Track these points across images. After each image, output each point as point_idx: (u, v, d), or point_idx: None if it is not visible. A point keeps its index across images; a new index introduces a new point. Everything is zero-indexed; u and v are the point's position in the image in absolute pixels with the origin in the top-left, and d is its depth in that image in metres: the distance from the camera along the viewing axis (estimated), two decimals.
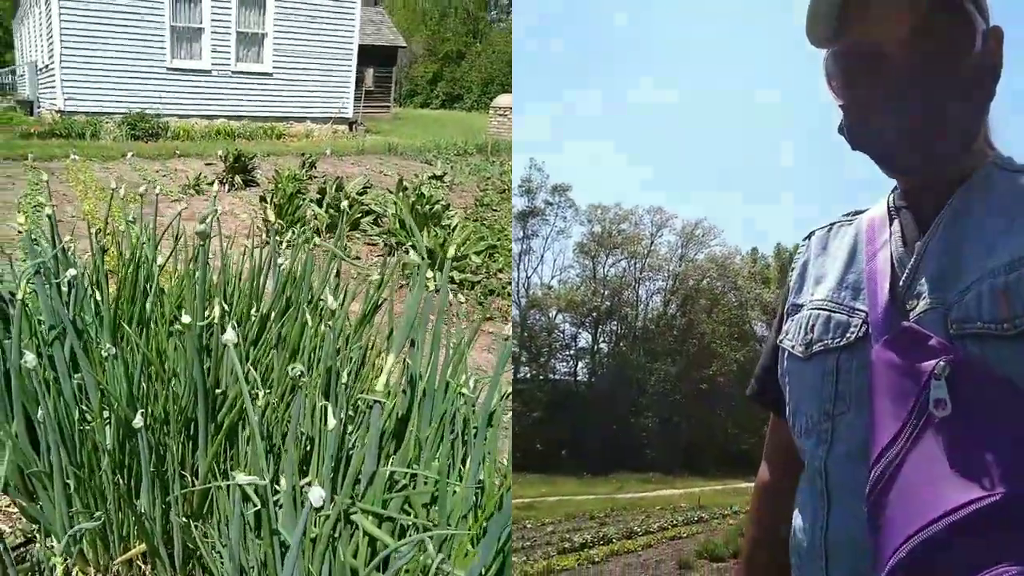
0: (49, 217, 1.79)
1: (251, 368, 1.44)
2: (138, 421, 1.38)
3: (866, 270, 0.95)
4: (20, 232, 1.75)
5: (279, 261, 1.92)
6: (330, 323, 1.47)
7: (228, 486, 1.37)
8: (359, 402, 1.45)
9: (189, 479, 1.60)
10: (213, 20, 14.04)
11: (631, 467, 23.46)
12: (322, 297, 1.78)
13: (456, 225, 4.78)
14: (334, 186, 5.96)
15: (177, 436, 1.55)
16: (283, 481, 1.23)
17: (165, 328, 1.69)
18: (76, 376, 1.68)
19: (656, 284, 30.58)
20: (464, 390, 1.43)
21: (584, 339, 29.82)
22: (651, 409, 26.59)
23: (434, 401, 1.48)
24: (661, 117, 47.64)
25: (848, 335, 0.92)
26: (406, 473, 1.37)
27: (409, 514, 1.36)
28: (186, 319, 1.34)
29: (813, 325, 0.97)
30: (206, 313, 1.46)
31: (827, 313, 0.96)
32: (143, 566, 1.67)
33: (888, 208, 0.99)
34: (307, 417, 1.39)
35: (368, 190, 6.41)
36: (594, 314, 29.17)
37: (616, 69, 43.67)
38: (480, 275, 4.47)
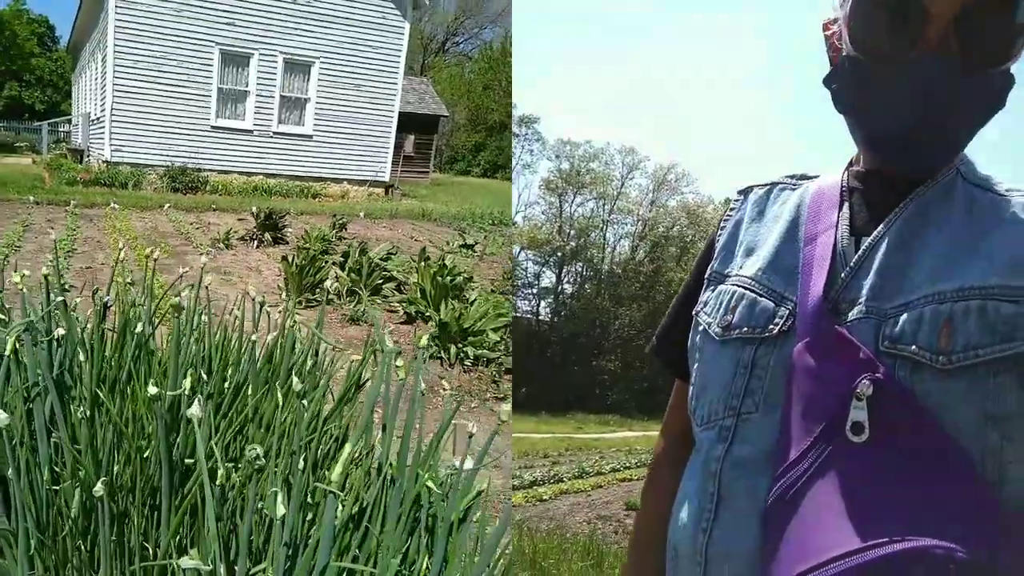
0: (45, 277, 1.81)
1: (213, 446, 1.42)
2: (99, 489, 1.36)
3: (803, 254, 0.86)
4: (20, 290, 1.78)
5: (282, 325, 1.92)
6: (303, 403, 1.45)
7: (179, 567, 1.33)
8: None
9: (151, 552, 1.57)
10: (259, 84, 14.55)
11: (590, 408, 22.96)
12: (304, 371, 1.77)
13: (475, 299, 4.77)
14: (358, 250, 6.03)
15: (140, 507, 1.53)
16: (222, 569, 1.19)
17: (144, 394, 1.68)
18: (54, 437, 1.67)
19: (625, 228, 29.68)
20: (430, 483, 1.38)
21: (548, 278, 28.99)
22: (614, 353, 25.98)
23: (403, 493, 1.44)
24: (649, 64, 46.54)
25: (771, 327, 0.83)
26: (362, 570, 1.33)
27: None
28: (152, 390, 1.33)
29: (735, 306, 0.87)
30: (181, 383, 1.46)
31: (753, 296, 0.87)
32: None
33: (842, 186, 0.90)
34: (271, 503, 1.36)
35: (392, 256, 6.47)
36: (559, 254, 28.49)
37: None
38: (498, 352, 4.43)
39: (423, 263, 5.56)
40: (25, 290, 1.85)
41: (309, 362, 1.81)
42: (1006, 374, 0.72)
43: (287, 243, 8.59)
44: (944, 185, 0.83)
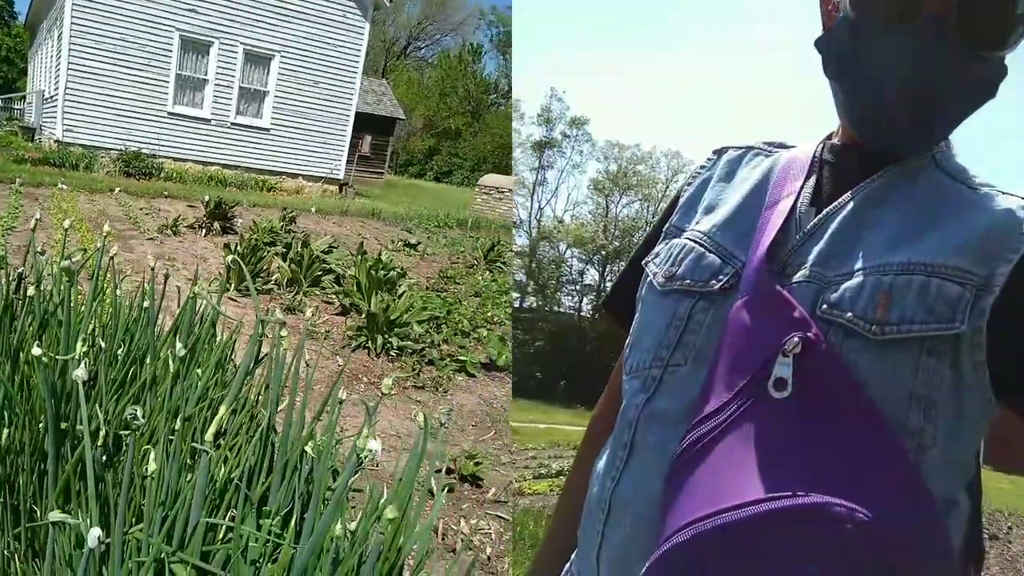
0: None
1: (98, 409, 1.43)
2: None
3: (761, 217, 0.84)
4: None
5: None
6: (198, 371, 1.47)
7: (64, 527, 1.34)
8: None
9: (39, 515, 1.57)
10: (218, 74, 14.32)
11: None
12: (202, 344, 1.79)
13: (403, 293, 4.81)
14: (300, 242, 6.00)
15: (30, 472, 1.53)
16: (92, 532, 1.21)
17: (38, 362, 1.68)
18: None
19: None
20: (309, 447, 1.42)
21: (591, 276, 29.16)
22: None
23: (287, 458, 1.47)
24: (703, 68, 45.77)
25: (713, 282, 0.81)
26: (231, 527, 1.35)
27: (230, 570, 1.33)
28: (36, 351, 1.34)
29: (682, 259, 0.85)
30: (73, 347, 1.47)
31: (702, 250, 0.85)
32: None
33: (814, 157, 0.87)
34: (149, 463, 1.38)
35: (334, 250, 6.45)
36: (603, 252, 28.70)
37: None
38: (422, 344, 4.48)
39: (360, 257, 5.56)
40: None
41: (209, 338, 1.83)
42: (939, 356, 0.70)
43: (236, 233, 8.49)
44: (915, 169, 0.80)
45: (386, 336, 4.23)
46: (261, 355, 1.71)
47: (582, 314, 28.93)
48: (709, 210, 0.89)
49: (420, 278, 6.85)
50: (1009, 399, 0.73)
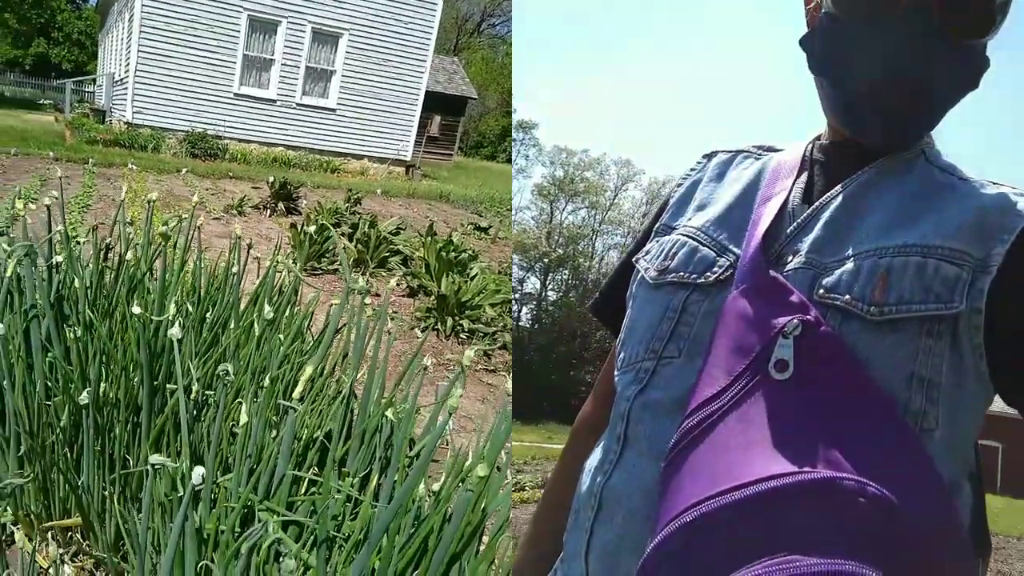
0: (48, 207, 1.98)
1: (190, 363, 1.58)
2: (83, 398, 1.53)
3: (755, 212, 0.88)
4: (19, 217, 1.95)
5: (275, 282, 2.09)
6: (279, 336, 1.61)
7: (156, 473, 1.50)
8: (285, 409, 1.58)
9: (132, 463, 1.74)
10: (285, 53, 14.74)
11: (563, 419, 22.84)
12: (282, 311, 1.93)
13: (476, 275, 4.93)
14: (367, 223, 6.20)
15: (124, 423, 1.70)
16: (196, 470, 1.35)
17: (132, 320, 1.85)
18: (49, 356, 1.85)
19: (615, 239, 30.12)
20: (389, 413, 1.54)
21: (532, 284, 29.34)
22: (592, 364, 26.08)
23: (366, 423, 1.59)
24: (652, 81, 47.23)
25: (708, 274, 0.85)
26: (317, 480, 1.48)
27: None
28: (136, 310, 1.49)
29: (675, 253, 0.89)
30: (166, 309, 1.62)
31: (695, 244, 0.88)
32: (81, 540, 1.81)
33: (804, 157, 0.92)
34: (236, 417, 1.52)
35: (401, 231, 6.63)
36: (545, 260, 28.89)
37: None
38: (495, 327, 4.59)
39: (429, 239, 5.72)
40: (28, 219, 2.03)
41: (288, 307, 1.97)
42: (939, 337, 0.73)
43: (300, 214, 8.79)
44: (906, 161, 0.85)
45: (456, 318, 4.37)
46: (340, 324, 1.85)
47: (520, 324, 28.81)
48: (701, 207, 0.94)
49: (491, 262, 6.98)
50: (1002, 384, 0.77)
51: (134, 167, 10.67)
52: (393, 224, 6.54)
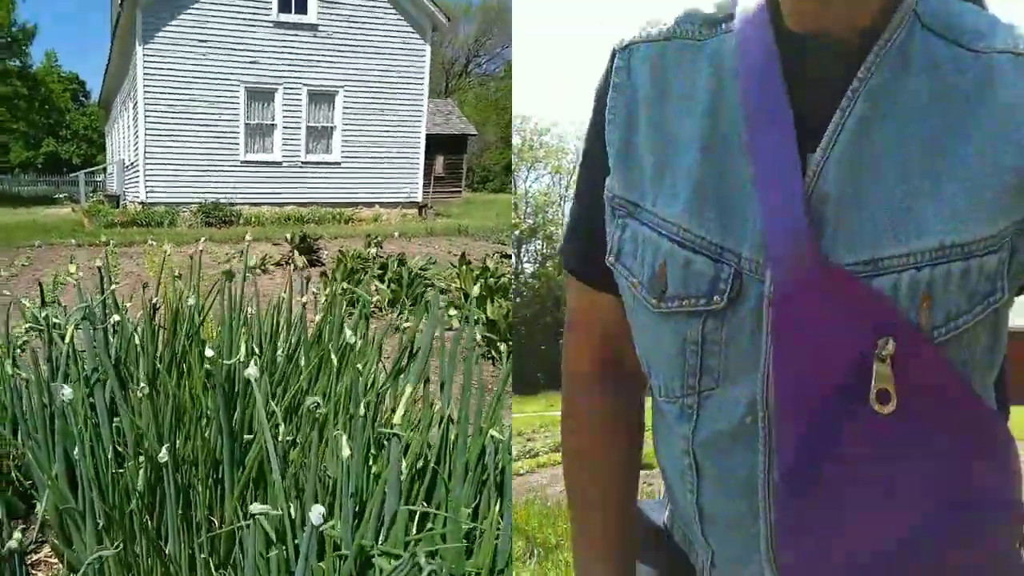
0: (99, 268, 1.85)
1: (274, 404, 1.43)
2: (163, 455, 1.38)
3: (753, 174, 0.66)
4: (74, 283, 1.82)
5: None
6: (356, 365, 1.46)
7: (249, 527, 1.34)
8: (383, 440, 1.42)
9: (216, 524, 1.58)
10: (284, 117, 14.85)
11: (559, 386, 22.55)
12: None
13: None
14: (396, 261, 6.07)
15: (205, 479, 1.54)
16: (304, 514, 1.19)
17: (200, 372, 1.71)
18: (116, 420, 1.70)
19: None
20: (494, 432, 1.38)
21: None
22: None
23: (466, 443, 1.43)
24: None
25: (716, 298, 0.68)
26: (433, 516, 1.32)
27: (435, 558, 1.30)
28: (209, 353, 1.35)
29: (663, 265, 0.70)
30: (236, 350, 1.48)
31: (685, 254, 0.69)
32: None
33: (769, 49, 0.67)
34: (331, 456, 1.37)
35: (432, 266, 6.51)
36: (516, 232, 28.05)
37: None
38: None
39: (464, 268, 5.58)
40: (79, 285, 1.90)
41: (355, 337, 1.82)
42: (981, 324, 0.66)
43: (322, 265, 8.70)
44: (899, 46, 0.66)
45: (508, 344, 4.22)
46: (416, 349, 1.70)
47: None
48: (659, 168, 0.71)
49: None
50: None
51: (154, 242, 10.63)
52: (422, 260, 6.41)
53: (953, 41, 0.65)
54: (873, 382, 0.60)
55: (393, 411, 1.61)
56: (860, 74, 0.65)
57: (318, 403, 1.21)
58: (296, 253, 8.64)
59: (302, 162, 15.12)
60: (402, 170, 15.97)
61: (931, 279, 0.62)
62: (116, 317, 1.74)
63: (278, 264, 8.65)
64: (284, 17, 14.51)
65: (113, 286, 1.95)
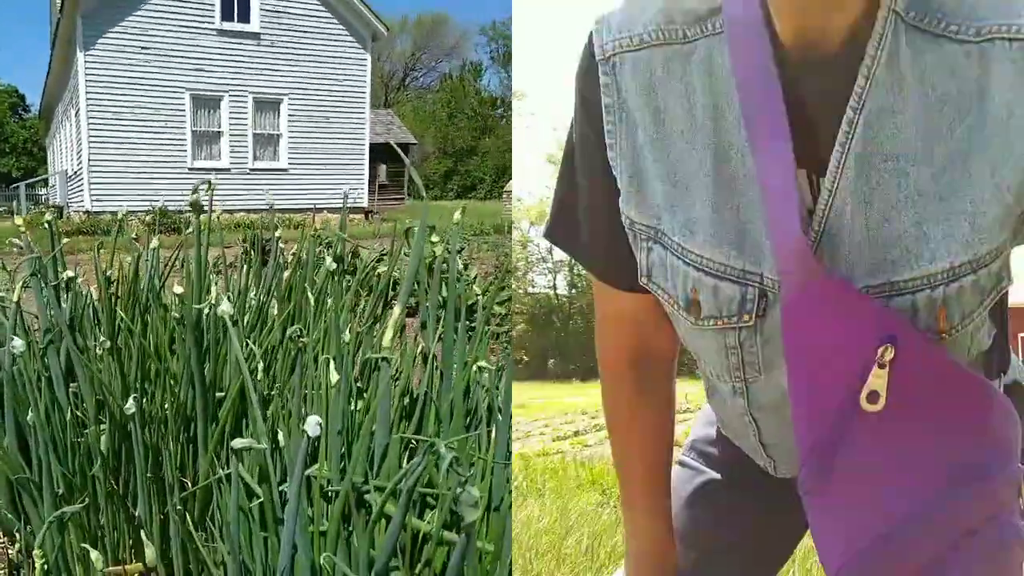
0: (48, 223, 1.69)
1: (252, 344, 1.30)
2: (130, 406, 1.23)
3: (763, 191, 0.64)
4: (19, 239, 1.65)
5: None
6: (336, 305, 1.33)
7: (228, 477, 1.20)
8: (367, 371, 1.30)
9: (189, 485, 1.43)
10: (231, 124, 14.46)
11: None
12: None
13: (475, 277, 4.70)
14: (350, 253, 5.90)
15: (176, 435, 1.40)
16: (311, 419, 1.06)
17: (164, 323, 1.56)
18: (73, 385, 1.54)
19: None
20: (483, 362, 1.27)
21: (560, 252, 29.25)
22: None
23: (452, 377, 1.32)
24: None
25: (746, 316, 0.70)
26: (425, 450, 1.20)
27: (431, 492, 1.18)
28: (178, 290, 1.21)
29: (695, 290, 0.71)
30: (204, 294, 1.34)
31: (712, 282, 0.70)
32: None
33: (759, 66, 0.63)
34: (314, 395, 1.24)
35: (385, 257, 6.35)
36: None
37: None
38: (505, 326, 4.40)
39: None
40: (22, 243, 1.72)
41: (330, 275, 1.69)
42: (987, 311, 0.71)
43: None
44: (886, 62, 0.61)
45: (470, 322, 4.13)
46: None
47: (559, 292, 28.48)
48: (671, 200, 0.70)
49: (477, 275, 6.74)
50: None
51: (103, 251, 10.19)
52: (375, 253, 6.25)
53: (940, 34, 0.61)
54: (867, 385, 0.63)
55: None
56: (852, 103, 0.62)
57: (300, 331, 1.09)
58: (252, 252, 8.37)
59: (250, 169, 14.75)
60: (348, 176, 15.73)
61: (945, 296, 0.64)
62: (69, 273, 1.57)
63: (231, 266, 8.37)
64: (227, 25, 14.15)
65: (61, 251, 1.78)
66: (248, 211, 14.55)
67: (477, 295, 1.53)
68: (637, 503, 0.92)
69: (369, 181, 16.54)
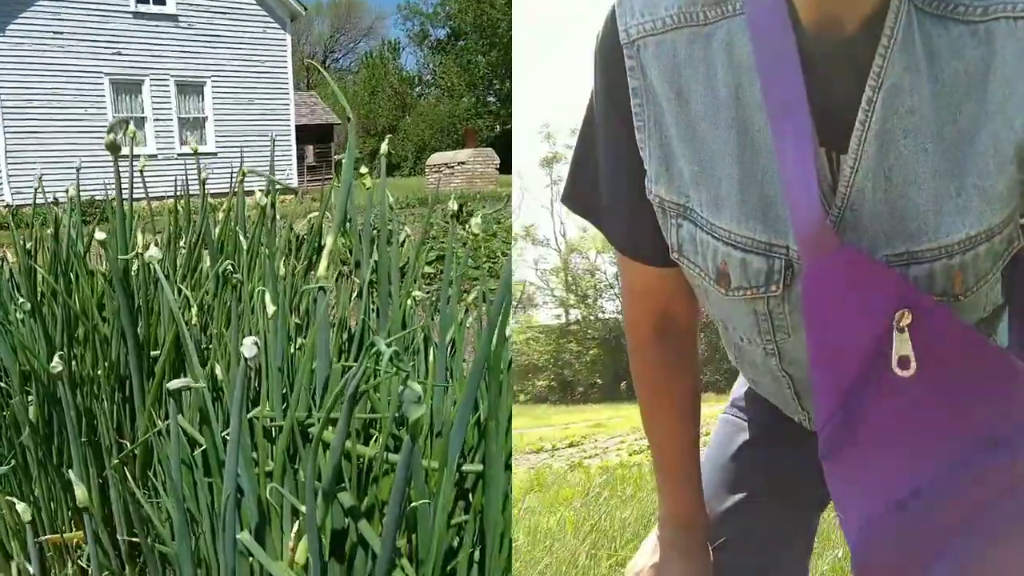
0: None
1: (186, 289, 1.19)
2: (56, 364, 1.10)
3: (782, 175, 0.64)
4: None
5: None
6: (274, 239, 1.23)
7: (168, 430, 1.10)
8: (304, 306, 1.21)
9: (127, 446, 1.31)
10: (154, 109, 13.73)
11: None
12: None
13: (405, 240, 4.59)
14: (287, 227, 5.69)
15: (111, 396, 1.27)
16: (247, 340, 0.97)
17: (91, 285, 1.42)
18: None
19: None
20: (416, 292, 1.20)
21: None
22: (702, 334, 27.21)
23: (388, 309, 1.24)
24: None
25: (773, 287, 0.70)
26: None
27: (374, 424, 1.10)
28: (100, 235, 1.09)
29: (724, 263, 0.71)
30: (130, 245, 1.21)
31: (740, 255, 0.70)
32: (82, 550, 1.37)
33: (779, 51, 0.63)
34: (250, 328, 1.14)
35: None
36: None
37: None
38: (436, 283, 4.31)
39: (348, 224, 5.28)
40: None
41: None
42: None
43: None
44: (901, 43, 0.61)
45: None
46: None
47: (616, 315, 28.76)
48: (697, 177, 0.69)
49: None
50: None
51: (27, 245, 9.58)
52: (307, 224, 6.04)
53: (948, 16, 0.61)
54: (894, 351, 0.62)
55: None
56: (871, 81, 0.62)
57: (231, 267, 0.99)
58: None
59: (178, 154, 14.06)
60: (277, 157, 15.21)
61: (962, 263, 0.65)
62: None
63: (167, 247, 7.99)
64: (143, 8, 13.35)
65: None
66: (178, 197, 13.95)
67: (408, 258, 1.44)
68: (667, 468, 0.93)
69: (298, 161, 16.04)
